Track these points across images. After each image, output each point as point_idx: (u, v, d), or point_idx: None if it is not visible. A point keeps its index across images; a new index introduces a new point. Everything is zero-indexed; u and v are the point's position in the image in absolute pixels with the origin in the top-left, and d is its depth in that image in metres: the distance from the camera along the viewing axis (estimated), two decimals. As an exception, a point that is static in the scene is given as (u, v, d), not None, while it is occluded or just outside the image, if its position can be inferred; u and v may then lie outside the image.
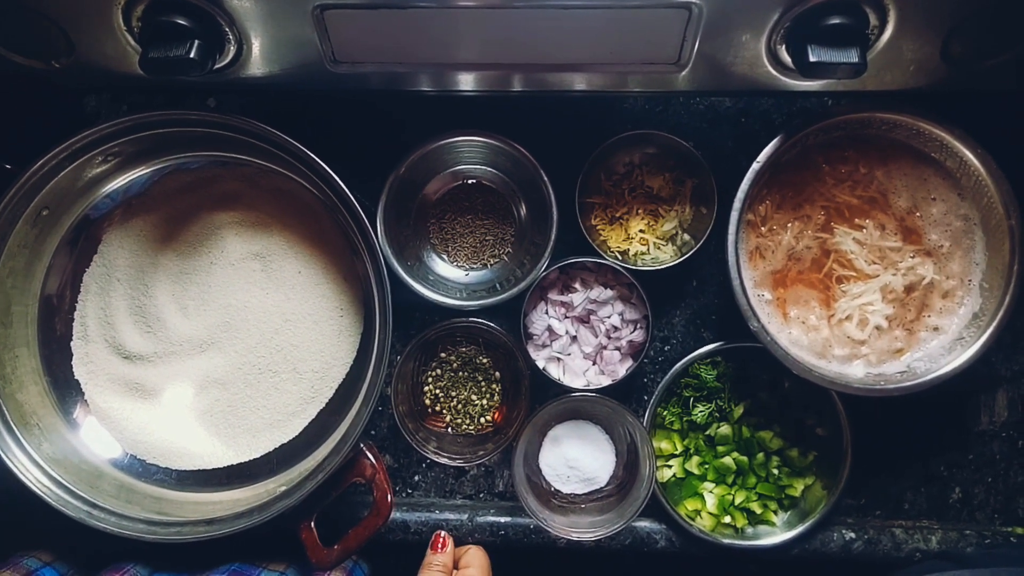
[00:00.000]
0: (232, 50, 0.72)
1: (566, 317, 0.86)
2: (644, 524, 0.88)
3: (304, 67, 0.76)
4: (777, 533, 0.86)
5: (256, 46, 0.73)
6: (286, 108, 0.88)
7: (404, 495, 0.90)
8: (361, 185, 0.79)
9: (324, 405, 0.86)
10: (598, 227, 0.87)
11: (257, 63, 0.76)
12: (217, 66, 0.73)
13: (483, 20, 0.68)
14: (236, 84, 0.79)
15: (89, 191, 0.86)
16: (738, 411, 0.87)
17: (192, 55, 0.67)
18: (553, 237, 0.82)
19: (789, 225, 0.81)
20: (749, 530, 0.86)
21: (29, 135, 0.82)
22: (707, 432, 0.88)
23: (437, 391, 0.89)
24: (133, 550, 0.80)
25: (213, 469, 0.86)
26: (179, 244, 0.86)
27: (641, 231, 0.86)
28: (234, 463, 0.86)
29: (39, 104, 0.88)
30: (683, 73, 0.75)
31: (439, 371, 0.88)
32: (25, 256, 0.84)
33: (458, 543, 0.84)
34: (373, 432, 0.90)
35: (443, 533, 0.82)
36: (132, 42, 0.71)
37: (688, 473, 0.87)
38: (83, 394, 0.86)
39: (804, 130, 0.77)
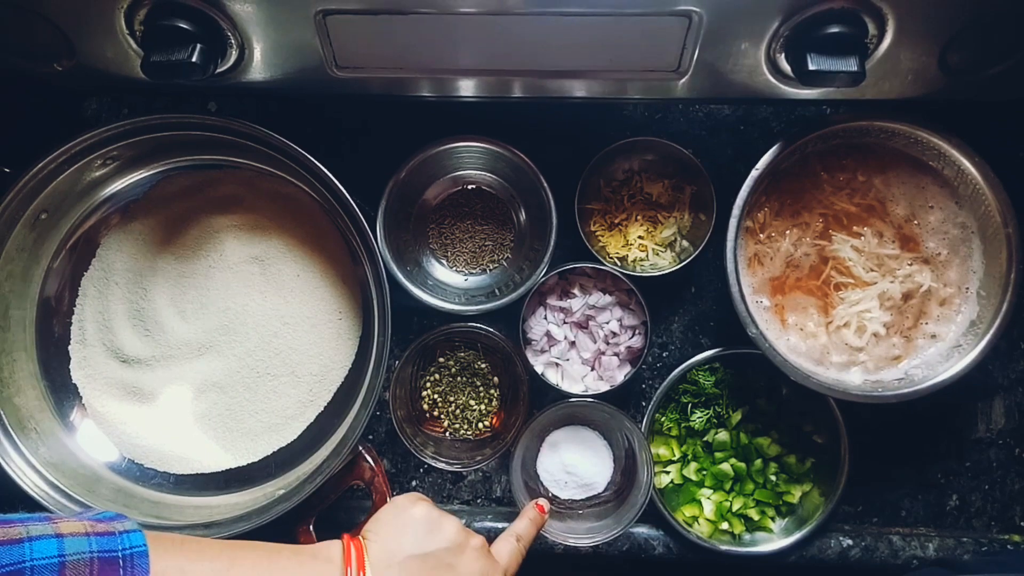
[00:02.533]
0: (234, 54, 0.72)
1: (565, 322, 0.86)
2: (642, 530, 0.87)
3: (306, 72, 0.76)
4: (774, 540, 0.86)
5: (258, 51, 0.73)
6: (287, 112, 0.88)
7: (402, 500, 0.90)
8: (361, 189, 0.79)
9: (323, 409, 0.86)
10: (597, 233, 0.88)
11: (259, 67, 0.76)
12: (219, 70, 0.73)
13: (484, 27, 0.69)
14: (237, 88, 0.79)
15: (88, 195, 0.86)
16: (736, 417, 0.87)
17: (194, 59, 0.67)
18: (552, 243, 0.82)
19: (788, 232, 0.81)
20: (747, 536, 0.86)
21: (28, 138, 0.82)
22: (705, 438, 0.88)
23: (435, 396, 0.88)
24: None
25: (211, 473, 0.85)
26: (178, 248, 0.86)
27: (640, 237, 0.86)
28: (232, 467, 0.85)
29: (39, 107, 0.88)
30: (683, 80, 0.75)
31: (437, 376, 0.88)
32: (23, 260, 0.83)
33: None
34: (371, 437, 0.90)
35: None
36: (134, 45, 0.71)
37: (686, 479, 0.87)
38: (81, 398, 0.86)
39: (803, 138, 0.77)
